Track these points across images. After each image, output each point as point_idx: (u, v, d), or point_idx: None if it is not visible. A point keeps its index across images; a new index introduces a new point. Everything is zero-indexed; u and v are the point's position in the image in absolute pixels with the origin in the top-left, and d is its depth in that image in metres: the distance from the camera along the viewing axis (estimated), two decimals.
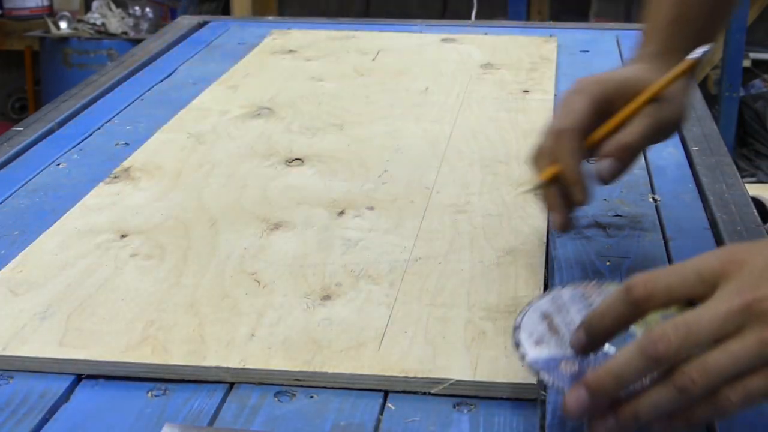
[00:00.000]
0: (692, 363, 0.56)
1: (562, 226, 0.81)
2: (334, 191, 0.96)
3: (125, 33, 3.62)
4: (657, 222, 0.92)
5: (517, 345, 0.65)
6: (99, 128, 1.16)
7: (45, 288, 0.78)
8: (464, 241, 0.86)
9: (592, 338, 0.61)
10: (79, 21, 3.69)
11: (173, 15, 3.64)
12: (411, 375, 0.67)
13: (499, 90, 1.27)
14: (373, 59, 1.42)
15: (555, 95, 1.24)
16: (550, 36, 1.53)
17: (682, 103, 0.84)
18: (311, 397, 0.66)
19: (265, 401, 0.66)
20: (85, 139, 1.13)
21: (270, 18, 2.13)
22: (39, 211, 0.94)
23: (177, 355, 0.69)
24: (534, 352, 0.64)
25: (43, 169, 1.04)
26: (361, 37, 1.55)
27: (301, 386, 0.67)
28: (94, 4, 3.71)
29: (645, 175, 1.02)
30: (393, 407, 0.65)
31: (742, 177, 1.20)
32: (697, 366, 0.56)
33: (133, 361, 0.69)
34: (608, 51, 1.48)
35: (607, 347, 0.63)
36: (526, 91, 1.26)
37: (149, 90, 1.31)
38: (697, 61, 0.82)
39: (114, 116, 1.20)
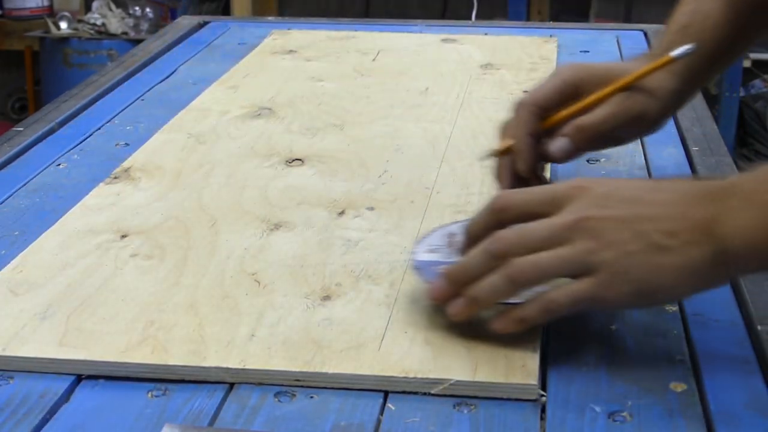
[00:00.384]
0: (525, 258, 0.66)
1: None
2: (334, 191, 0.96)
3: (125, 33, 3.62)
4: None
5: (413, 252, 0.78)
6: (99, 128, 1.16)
7: (45, 288, 0.78)
8: None
9: (467, 239, 0.72)
10: (79, 21, 3.69)
11: (173, 15, 3.63)
12: (411, 375, 0.67)
13: (499, 90, 1.27)
14: (373, 59, 1.42)
15: None
16: (550, 36, 1.53)
17: (661, 98, 0.84)
18: (311, 397, 0.66)
19: (265, 401, 0.66)
20: (86, 139, 1.13)
21: (270, 18, 2.13)
22: (39, 211, 0.94)
23: (177, 356, 0.69)
24: (424, 257, 0.77)
25: (44, 169, 1.04)
26: (361, 37, 1.55)
27: (301, 386, 0.67)
28: (94, 5, 3.70)
29: (645, 176, 1.02)
30: (393, 407, 0.65)
31: None
32: (528, 260, 0.66)
33: (133, 361, 0.69)
34: (608, 51, 1.48)
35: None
36: (526, 92, 1.26)
37: (149, 90, 1.31)
38: (677, 58, 0.82)
39: (114, 116, 1.20)
